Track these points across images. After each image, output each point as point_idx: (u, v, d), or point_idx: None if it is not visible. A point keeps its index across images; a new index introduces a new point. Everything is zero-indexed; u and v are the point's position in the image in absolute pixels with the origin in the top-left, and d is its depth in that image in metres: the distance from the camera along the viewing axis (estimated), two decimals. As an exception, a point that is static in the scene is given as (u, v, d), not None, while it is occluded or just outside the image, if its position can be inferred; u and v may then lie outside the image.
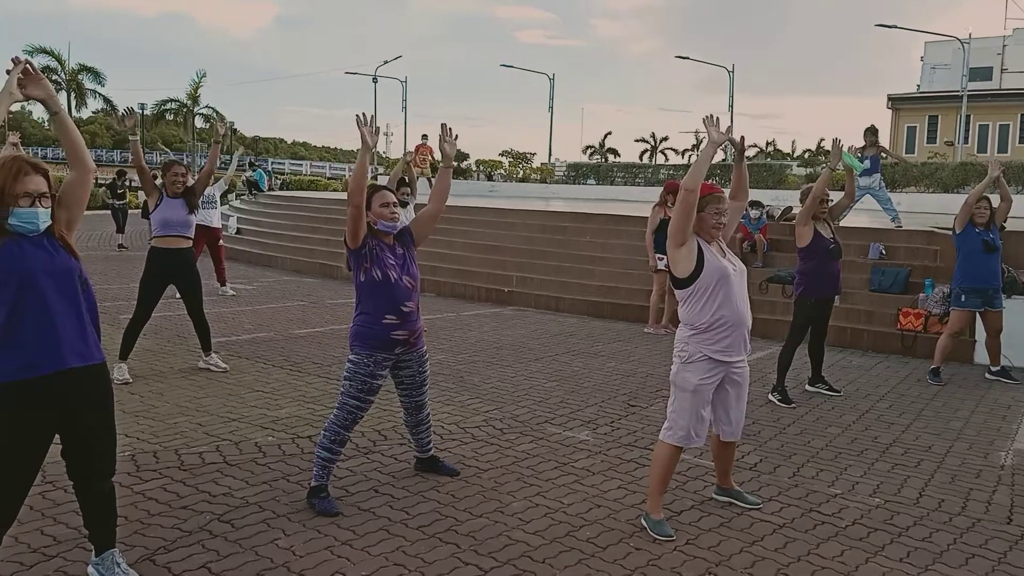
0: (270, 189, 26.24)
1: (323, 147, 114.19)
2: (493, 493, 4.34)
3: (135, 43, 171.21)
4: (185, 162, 8.27)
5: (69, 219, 3.01)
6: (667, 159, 72.57)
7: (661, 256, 9.30)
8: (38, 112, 66.18)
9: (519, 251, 12.81)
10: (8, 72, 2.85)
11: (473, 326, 9.53)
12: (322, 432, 4.17)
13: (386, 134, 78.04)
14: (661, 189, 9.75)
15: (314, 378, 6.71)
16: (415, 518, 3.97)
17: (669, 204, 9.44)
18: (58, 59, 40.95)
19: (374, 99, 51.54)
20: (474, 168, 37.10)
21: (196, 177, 6.91)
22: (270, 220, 18.97)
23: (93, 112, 52.90)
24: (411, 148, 17.96)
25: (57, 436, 2.99)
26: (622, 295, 10.85)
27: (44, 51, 40.47)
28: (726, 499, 4.32)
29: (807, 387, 6.86)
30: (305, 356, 7.52)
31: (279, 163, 59.52)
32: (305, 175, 49.41)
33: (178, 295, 7.09)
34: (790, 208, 12.11)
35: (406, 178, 9.06)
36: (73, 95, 41.91)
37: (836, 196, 7.17)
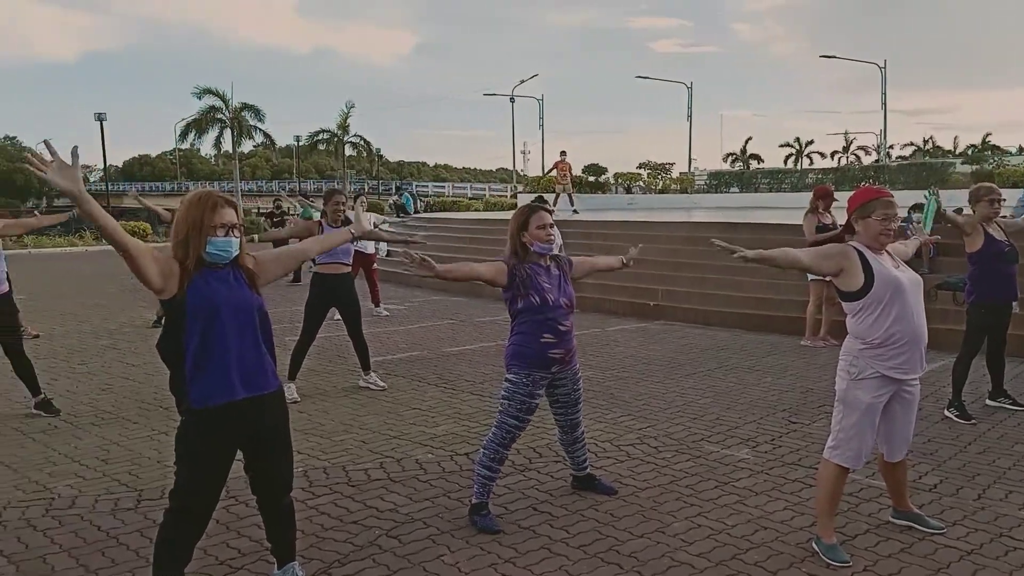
0: (416, 212, 27.15)
1: (463, 168, 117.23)
2: (653, 513, 4.27)
3: (290, 79, 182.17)
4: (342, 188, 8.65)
5: (274, 274, 3.30)
6: (812, 163, 69.64)
7: None
8: (205, 148, 71.53)
9: (663, 264, 12.62)
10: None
11: (619, 342, 9.46)
12: (481, 450, 4.24)
13: (523, 152, 79.04)
14: (811, 195, 9.36)
15: (468, 395, 6.85)
16: (575, 537, 3.96)
17: (820, 210, 9.06)
18: (223, 99, 44.14)
19: (512, 118, 52.46)
20: (612, 181, 36.92)
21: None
22: (417, 242, 19.58)
23: (253, 146, 56.65)
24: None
25: (240, 454, 3.20)
26: (774, 306, 10.47)
27: (210, 92, 43.76)
28: (905, 523, 4.06)
29: (988, 402, 6.35)
30: (458, 374, 7.69)
31: (423, 185, 61.55)
32: (447, 196, 50.84)
33: (336, 317, 7.44)
34: (960, 209, 11.29)
35: (543, 196, 9.15)
36: (236, 132, 45.01)
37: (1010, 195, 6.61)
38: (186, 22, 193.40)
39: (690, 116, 46.05)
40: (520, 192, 34.84)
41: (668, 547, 3.84)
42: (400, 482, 4.74)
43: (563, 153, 22.16)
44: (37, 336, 9.45)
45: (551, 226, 4.22)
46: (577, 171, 30.26)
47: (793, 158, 68.51)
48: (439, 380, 7.44)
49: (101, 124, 32.94)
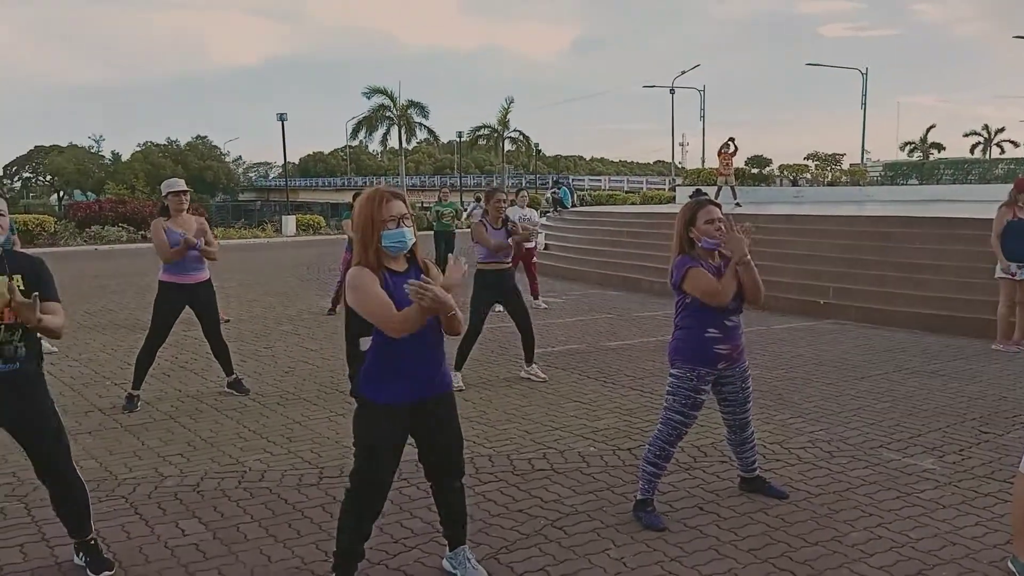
0: (573, 206, 27.22)
1: (620, 161, 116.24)
2: (827, 520, 4.08)
3: (453, 76, 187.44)
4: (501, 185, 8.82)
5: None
6: (1003, 151, 63.93)
7: (1022, 264, 8.22)
8: (373, 145, 74.88)
9: (835, 260, 12.00)
10: None
11: (786, 340, 9.08)
12: (647, 446, 4.20)
13: (682, 144, 77.35)
14: (1011, 187, 8.61)
15: (628, 390, 6.80)
16: (744, 540, 3.85)
17: (1020, 204, 8.33)
18: (391, 97, 46.06)
19: (671, 110, 51.50)
20: (777, 173, 35.44)
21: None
22: (574, 235, 19.65)
23: (417, 143, 58.67)
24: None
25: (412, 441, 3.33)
26: (961, 307, 9.71)
27: (380, 91, 45.75)
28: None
29: None
30: (618, 368, 7.66)
31: (579, 180, 61.60)
32: (604, 190, 50.65)
33: (498, 309, 7.62)
34: None
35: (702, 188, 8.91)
36: (403, 128, 46.84)
37: None
38: (359, 27, 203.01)
39: (864, 104, 43.49)
40: (678, 185, 34.17)
41: (846, 557, 3.65)
42: (563, 473, 4.78)
43: (731, 140, 20.56)
44: (227, 321, 10.23)
45: (720, 220, 4.10)
46: (739, 163, 29.22)
47: (980, 147, 63.20)
48: (599, 374, 7.43)
49: (282, 124, 35.16)
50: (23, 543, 3.86)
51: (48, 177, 79.06)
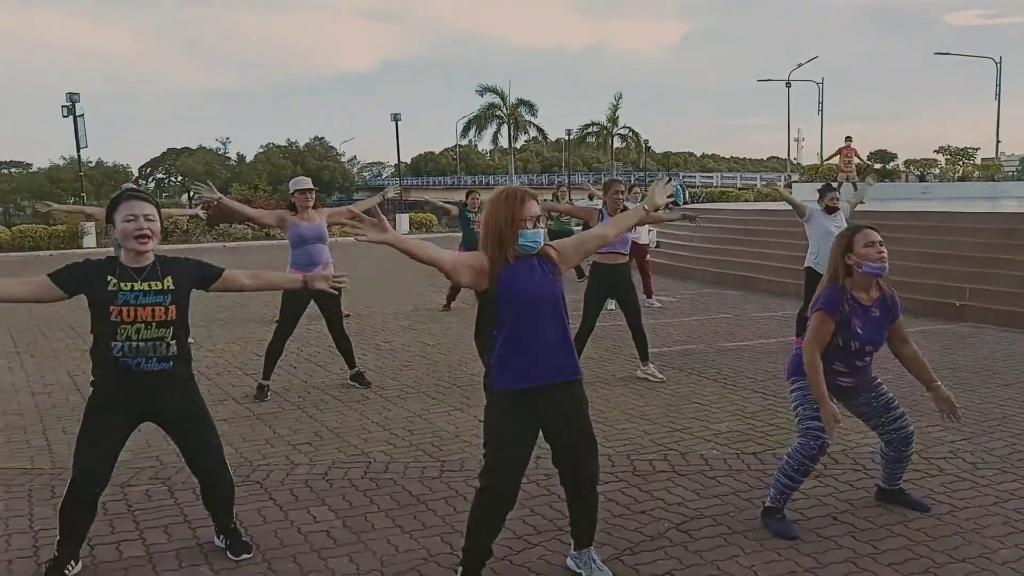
0: (685, 203, 26.73)
1: (731, 158, 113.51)
2: (974, 536, 3.83)
3: (562, 75, 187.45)
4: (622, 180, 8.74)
5: (572, 261, 3.42)
6: None
7: None
8: (482, 144, 75.78)
9: (972, 260, 11.31)
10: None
11: (920, 344, 8.46)
12: (784, 457, 3.98)
13: (797, 139, 74.81)
14: None
15: (749, 392, 6.60)
16: (884, 553, 3.66)
17: None
18: (501, 96, 46.53)
19: (787, 104, 49.86)
20: (902, 168, 33.71)
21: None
22: (686, 233, 19.27)
23: (525, 141, 59.02)
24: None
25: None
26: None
27: (491, 90, 46.30)
28: None
29: None
30: (737, 370, 7.45)
31: (689, 176, 60.45)
32: (715, 187, 49.49)
33: (610, 307, 7.55)
34: None
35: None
36: (512, 127, 47.23)
37: None
38: (470, 28, 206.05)
39: (998, 95, 40.86)
40: (794, 181, 32.99)
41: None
42: (686, 476, 4.68)
43: (848, 139, 20.71)
44: (348, 316, 10.55)
45: (881, 244, 3.82)
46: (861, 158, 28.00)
47: None
48: (718, 375, 7.25)
49: (396, 124, 36.01)
50: (167, 524, 4.07)
51: (179, 178, 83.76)
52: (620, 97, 53.92)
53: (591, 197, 14.75)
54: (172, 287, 3.38)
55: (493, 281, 3.15)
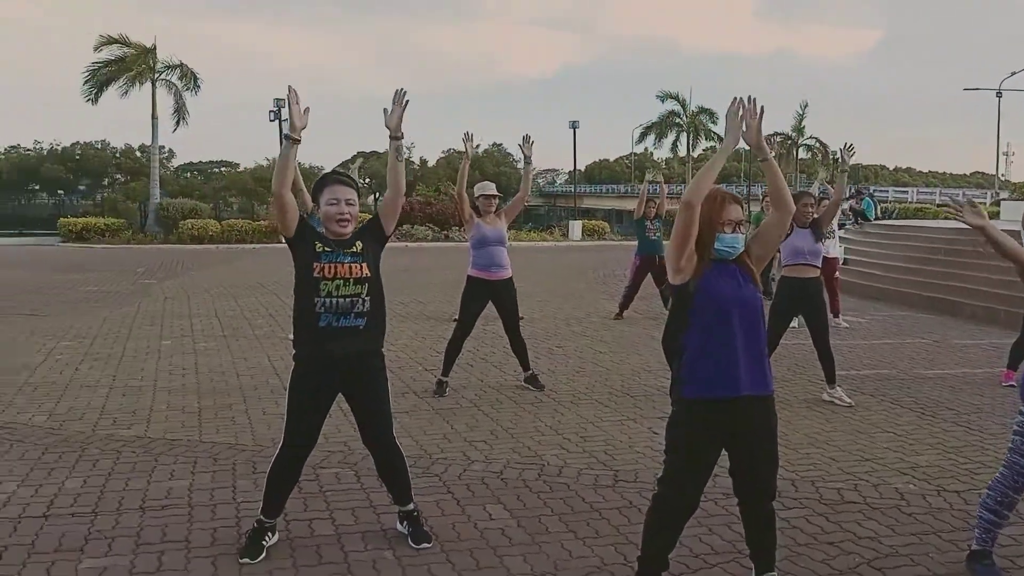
0: (877, 218, 25.15)
1: (929, 172, 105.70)
2: None
3: (745, 82, 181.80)
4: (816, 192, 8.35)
5: (762, 256, 3.22)
6: None
7: None
8: (660, 152, 74.68)
9: None
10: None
11: None
12: (986, 490, 3.67)
13: (1006, 154, 68.41)
14: None
15: (951, 425, 6.08)
16: (1117, 618, 3.24)
17: None
18: (682, 103, 45.76)
19: (997, 115, 45.80)
20: None
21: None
22: (879, 251, 18.10)
23: (703, 150, 57.67)
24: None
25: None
26: None
27: (671, 96, 45.60)
28: None
29: None
30: (936, 399, 6.88)
31: (881, 191, 56.73)
32: (911, 202, 46.22)
33: (793, 324, 7.21)
34: None
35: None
36: (691, 135, 46.33)
37: None
38: (648, 35, 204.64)
39: None
40: (1003, 199, 30.18)
41: None
42: (879, 509, 4.36)
43: None
44: (521, 318, 10.72)
45: None
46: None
47: None
48: (915, 404, 6.72)
49: (574, 131, 36.31)
50: (354, 507, 4.28)
51: (367, 180, 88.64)
52: (806, 106, 51.54)
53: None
54: (362, 249, 3.65)
55: (695, 280, 3.08)
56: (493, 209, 6.94)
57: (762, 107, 3.16)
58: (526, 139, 6.83)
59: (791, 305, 6.82)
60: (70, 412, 6.11)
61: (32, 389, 6.83)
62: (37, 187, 68.42)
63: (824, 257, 10.94)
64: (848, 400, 6.67)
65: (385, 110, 3.76)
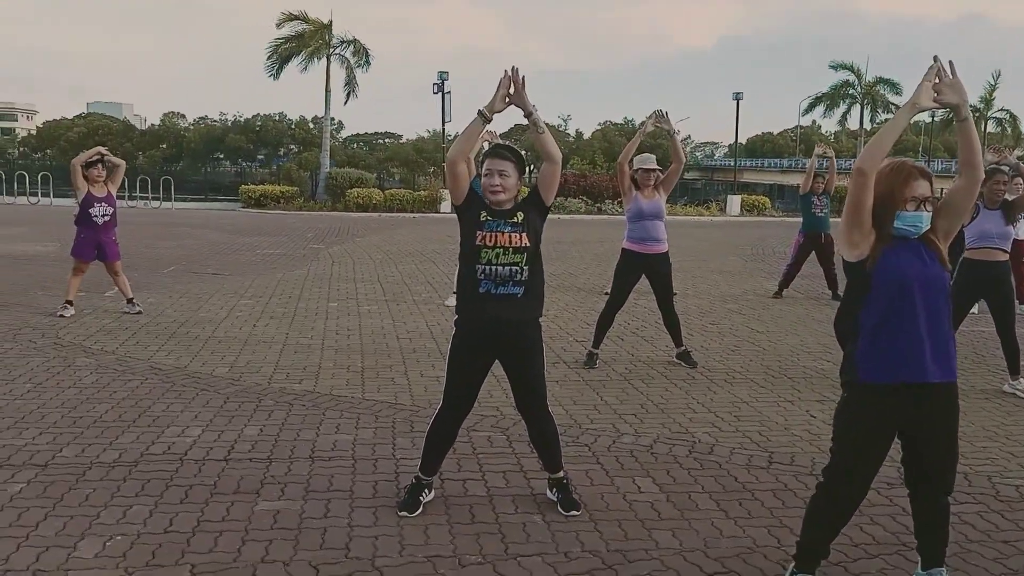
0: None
1: None
2: None
3: (928, 49, 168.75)
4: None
5: (948, 230, 2.99)
6: None
7: None
8: (828, 125, 70.67)
9: None
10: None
11: None
12: None
13: None
14: None
15: None
16: None
17: None
18: (857, 73, 42.94)
19: None
20: None
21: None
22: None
23: (877, 123, 53.98)
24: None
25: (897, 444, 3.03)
26: None
27: (845, 67, 42.90)
28: None
29: None
30: None
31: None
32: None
33: (976, 311, 6.71)
34: None
35: None
36: (867, 106, 43.44)
37: None
38: (816, 1, 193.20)
39: None
40: None
41: None
42: (1066, 513, 4.02)
43: None
44: (675, 294, 10.55)
45: None
46: None
47: None
48: (1113, 402, 6.10)
49: (737, 103, 34.92)
50: (505, 471, 4.40)
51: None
52: (999, 75, 47.23)
53: None
54: (523, 219, 3.71)
55: (872, 258, 2.91)
56: (652, 183, 6.84)
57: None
58: (660, 114, 6.64)
59: (974, 289, 6.33)
60: (248, 365, 6.61)
61: (216, 342, 7.43)
62: (221, 156, 73.69)
63: (1016, 239, 10.12)
64: (1034, 393, 6.15)
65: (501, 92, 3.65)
